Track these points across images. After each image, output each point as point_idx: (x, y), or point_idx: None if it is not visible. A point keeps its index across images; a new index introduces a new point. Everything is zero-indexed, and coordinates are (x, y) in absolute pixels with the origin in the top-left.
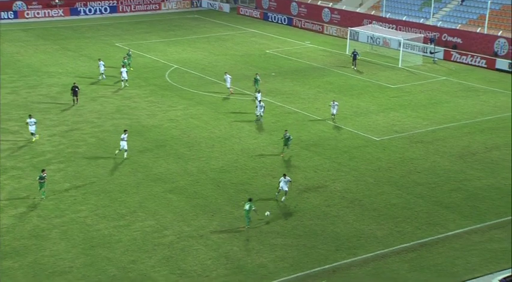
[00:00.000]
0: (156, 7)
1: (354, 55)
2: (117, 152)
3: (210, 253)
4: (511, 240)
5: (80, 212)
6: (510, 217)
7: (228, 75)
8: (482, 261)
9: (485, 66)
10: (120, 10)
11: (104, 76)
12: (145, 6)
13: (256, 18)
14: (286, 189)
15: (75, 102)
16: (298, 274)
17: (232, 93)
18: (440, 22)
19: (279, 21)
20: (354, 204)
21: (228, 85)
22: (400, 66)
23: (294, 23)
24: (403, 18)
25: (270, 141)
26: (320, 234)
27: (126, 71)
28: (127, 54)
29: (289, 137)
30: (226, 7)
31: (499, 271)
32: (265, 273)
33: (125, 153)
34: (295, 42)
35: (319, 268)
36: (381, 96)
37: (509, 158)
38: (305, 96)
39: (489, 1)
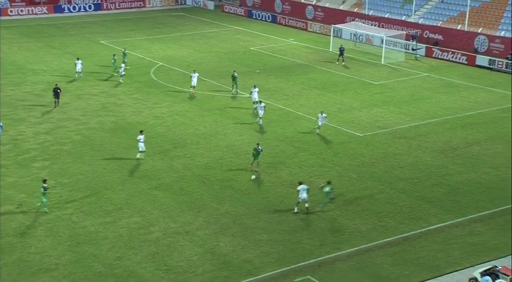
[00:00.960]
0: (140, 4)
1: (341, 50)
2: (138, 156)
3: (196, 249)
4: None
5: (65, 209)
6: (490, 211)
7: (195, 74)
8: (463, 254)
9: (466, 62)
10: (105, 8)
11: (81, 75)
12: (129, 3)
13: (240, 15)
14: (305, 196)
15: (57, 104)
16: (283, 269)
17: (192, 94)
18: (422, 19)
19: (263, 19)
20: (338, 200)
21: (193, 84)
22: (382, 62)
23: (278, 21)
24: (386, 16)
25: (255, 138)
26: (305, 229)
27: (124, 68)
28: (122, 53)
29: (260, 150)
30: (210, 4)
31: (480, 264)
32: (251, 269)
33: (138, 154)
34: (279, 40)
35: (304, 263)
36: (364, 92)
37: (489, 153)
38: (289, 93)
39: None
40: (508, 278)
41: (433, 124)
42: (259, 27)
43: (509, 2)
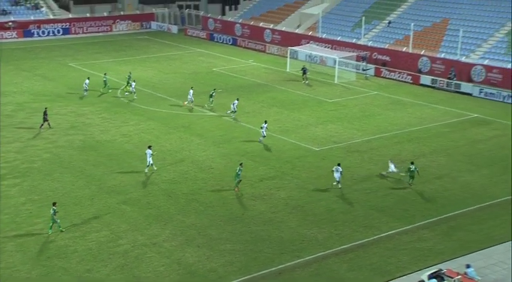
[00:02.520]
0: (107, 29)
1: (304, 70)
2: (146, 170)
3: (163, 260)
4: None
5: (35, 224)
6: (436, 218)
7: (191, 90)
8: (412, 259)
9: (411, 81)
10: (73, 32)
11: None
12: (97, 28)
13: (202, 38)
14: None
15: (49, 126)
16: (246, 277)
17: (184, 105)
18: (371, 42)
19: (224, 42)
20: (297, 210)
21: (189, 99)
22: (336, 82)
23: (238, 43)
24: (338, 38)
25: (219, 154)
26: (266, 239)
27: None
28: (128, 76)
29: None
30: (174, 28)
31: (427, 267)
32: (216, 278)
33: (146, 168)
34: (239, 61)
35: (265, 271)
36: (320, 109)
37: (434, 165)
38: (250, 111)
39: (412, 23)
40: (452, 280)
41: (383, 139)
42: (221, 49)
43: (448, 27)
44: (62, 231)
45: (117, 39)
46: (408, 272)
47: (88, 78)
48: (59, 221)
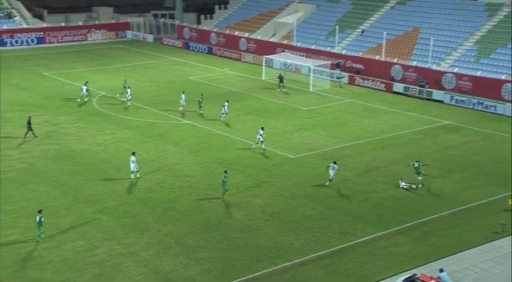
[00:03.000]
0: (82, 38)
1: (280, 78)
2: (133, 176)
3: (140, 269)
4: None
5: (9, 235)
6: (410, 224)
7: (183, 95)
8: (388, 264)
9: (384, 89)
10: (47, 41)
11: (85, 99)
12: (71, 37)
13: (178, 47)
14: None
15: (34, 136)
16: None
17: (180, 110)
18: (344, 50)
19: (200, 50)
20: (273, 217)
21: (182, 103)
22: (310, 90)
23: (214, 52)
24: (312, 47)
25: (195, 162)
26: (243, 247)
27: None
28: (124, 83)
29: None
30: (150, 37)
31: (402, 272)
32: None
33: (138, 173)
34: (215, 69)
35: (242, 278)
36: (295, 117)
37: (407, 171)
38: (226, 119)
39: (385, 32)
40: None
41: (357, 146)
42: (197, 58)
43: (419, 36)
44: (38, 241)
45: (92, 48)
46: (384, 277)
47: (85, 84)
48: (42, 229)
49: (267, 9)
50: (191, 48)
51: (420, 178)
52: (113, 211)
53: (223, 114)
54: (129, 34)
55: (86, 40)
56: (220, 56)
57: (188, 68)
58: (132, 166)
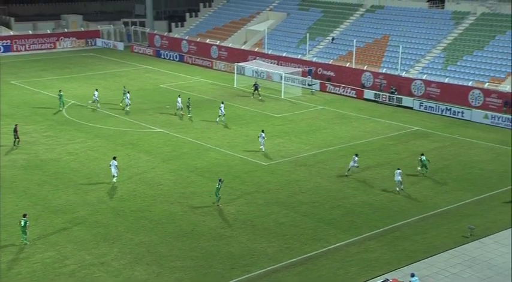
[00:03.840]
0: (51, 46)
1: (256, 86)
2: (113, 180)
3: (111, 279)
4: None
5: None
6: (381, 229)
7: (179, 98)
8: (360, 270)
9: (355, 96)
10: (15, 49)
11: (94, 104)
12: (40, 45)
13: (149, 55)
14: (400, 179)
15: (16, 144)
16: None
17: (176, 114)
18: (315, 58)
19: (171, 58)
20: (246, 225)
21: (178, 106)
22: (282, 97)
23: (185, 60)
24: (283, 54)
25: (167, 170)
26: (216, 255)
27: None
28: (123, 90)
29: (219, 187)
30: (120, 45)
31: (374, 278)
32: None
33: (114, 179)
34: (187, 77)
35: None
36: (267, 124)
37: (378, 177)
38: (198, 127)
39: (355, 40)
40: None
41: (329, 152)
42: (168, 66)
43: (388, 43)
44: (26, 244)
45: (61, 57)
46: None
47: (96, 90)
48: (28, 233)
49: (238, 17)
50: (162, 56)
51: (420, 169)
52: (84, 221)
53: (220, 116)
54: (99, 42)
55: (54, 48)
56: (192, 64)
57: (159, 75)
58: (113, 170)
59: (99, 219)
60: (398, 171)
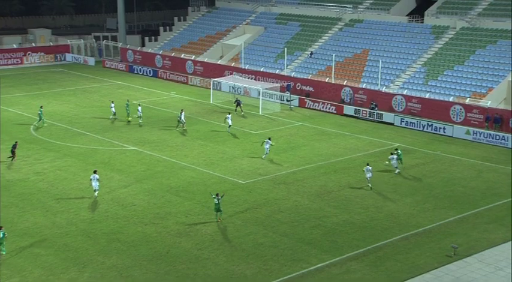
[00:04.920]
0: (18, 61)
1: (238, 102)
2: (95, 194)
3: None
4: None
5: None
6: (364, 249)
7: (182, 112)
8: None
9: (335, 112)
10: None
11: (114, 117)
12: (6, 60)
13: (121, 70)
14: (370, 175)
15: (11, 158)
16: None
17: (181, 127)
18: (294, 72)
19: (145, 74)
20: (224, 246)
21: (182, 120)
22: (260, 113)
23: (159, 75)
24: (261, 69)
25: (141, 190)
26: (192, 278)
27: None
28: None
29: (218, 202)
30: (91, 60)
31: None
32: None
33: (96, 193)
34: (161, 93)
35: None
36: (245, 141)
37: (359, 195)
38: (173, 144)
39: (334, 54)
40: None
41: (309, 170)
42: (141, 81)
43: (368, 58)
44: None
45: (29, 72)
46: None
47: (112, 102)
48: (4, 244)
49: (214, 31)
50: (135, 71)
51: (387, 163)
52: (52, 244)
53: (231, 126)
54: (69, 57)
55: (21, 63)
56: (166, 79)
57: (132, 91)
58: (95, 184)
59: (68, 243)
60: (369, 167)
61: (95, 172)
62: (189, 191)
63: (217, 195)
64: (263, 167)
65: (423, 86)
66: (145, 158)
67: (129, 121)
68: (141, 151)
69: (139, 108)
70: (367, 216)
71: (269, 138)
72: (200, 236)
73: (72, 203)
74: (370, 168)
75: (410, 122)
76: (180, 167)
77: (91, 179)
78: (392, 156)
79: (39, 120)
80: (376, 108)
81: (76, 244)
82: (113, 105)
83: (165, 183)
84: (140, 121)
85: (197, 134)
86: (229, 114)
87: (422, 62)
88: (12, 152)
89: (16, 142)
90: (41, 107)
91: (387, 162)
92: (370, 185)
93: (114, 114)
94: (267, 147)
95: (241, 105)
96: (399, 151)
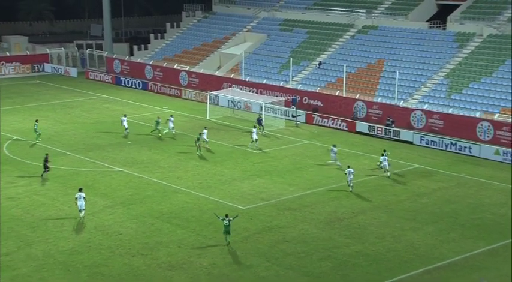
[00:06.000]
0: None
1: (259, 121)
2: (80, 215)
3: None
4: None
5: None
6: None
7: (205, 130)
8: None
9: (346, 129)
10: None
11: (127, 131)
12: None
13: (107, 82)
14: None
15: (45, 171)
16: None
17: (203, 147)
18: (300, 85)
19: (133, 86)
20: (221, 281)
21: (204, 138)
22: (263, 130)
23: (150, 88)
24: (263, 82)
25: (128, 216)
26: None
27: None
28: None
29: (227, 223)
30: (73, 71)
31: None
32: None
33: (83, 212)
34: (151, 108)
35: None
36: (245, 162)
37: (375, 223)
38: (165, 165)
39: (345, 65)
40: None
41: (317, 194)
42: (129, 95)
43: (383, 69)
44: None
45: (2, 85)
46: None
47: (125, 115)
48: None
49: (211, 38)
50: (123, 84)
51: (378, 163)
52: (27, 279)
53: (253, 141)
54: (48, 67)
55: None
56: (158, 93)
57: (119, 106)
58: (80, 204)
59: (45, 277)
60: (351, 170)
61: (80, 190)
62: (183, 217)
63: (226, 216)
64: (266, 191)
65: (446, 100)
66: (134, 181)
67: (160, 137)
68: (128, 173)
69: (171, 118)
70: (383, 247)
71: (333, 145)
72: (195, 269)
73: (49, 232)
74: (352, 170)
75: (432, 141)
76: (172, 190)
77: (76, 198)
78: (384, 157)
79: (38, 135)
80: (393, 125)
81: (53, 279)
82: (125, 119)
83: (155, 209)
84: (173, 132)
85: (192, 154)
86: (255, 128)
87: (445, 73)
88: (45, 166)
89: (47, 154)
90: (36, 121)
91: (378, 164)
92: (351, 189)
93: (126, 129)
94: (333, 155)
95: (263, 123)
96: (388, 152)
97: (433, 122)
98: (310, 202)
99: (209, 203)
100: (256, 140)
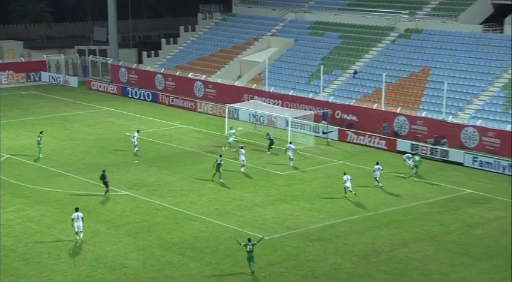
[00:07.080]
0: None
1: (270, 140)
2: (77, 238)
3: None
4: None
5: None
6: None
7: (242, 150)
8: None
9: (386, 148)
10: None
11: (137, 149)
12: None
13: (112, 93)
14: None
15: (106, 190)
16: None
17: (242, 171)
18: (332, 97)
19: (142, 97)
20: None
21: (243, 162)
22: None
23: (160, 99)
24: (290, 93)
25: (134, 247)
26: None
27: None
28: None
29: (251, 247)
30: (73, 81)
31: None
32: None
33: (81, 235)
34: (162, 122)
35: None
36: (268, 185)
37: (419, 257)
38: (177, 188)
39: (384, 74)
40: None
41: (351, 222)
42: (137, 107)
43: (429, 78)
44: None
45: None
46: None
47: (138, 132)
48: None
49: (230, 43)
50: (129, 95)
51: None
52: None
53: (291, 160)
54: (45, 76)
55: None
56: (169, 105)
57: (125, 120)
58: (78, 225)
59: None
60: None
61: (76, 210)
62: (197, 248)
63: (249, 240)
64: (291, 218)
65: (503, 115)
66: (141, 206)
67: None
68: (135, 197)
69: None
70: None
71: (377, 163)
72: None
73: (44, 265)
74: (350, 177)
75: (486, 162)
76: (185, 217)
77: (73, 219)
78: (408, 155)
79: (41, 149)
80: (446, 144)
81: None
82: (136, 135)
83: (165, 239)
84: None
85: (207, 175)
86: (291, 143)
87: (502, 84)
88: (105, 183)
89: (104, 171)
90: (41, 132)
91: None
92: (346, 195)
93: (136, 146)
94: (377, 173)
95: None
96: (416, 157)
97: (487, 141)
98: (343, 232)
99: (227, 231)
100: (292, 158)
